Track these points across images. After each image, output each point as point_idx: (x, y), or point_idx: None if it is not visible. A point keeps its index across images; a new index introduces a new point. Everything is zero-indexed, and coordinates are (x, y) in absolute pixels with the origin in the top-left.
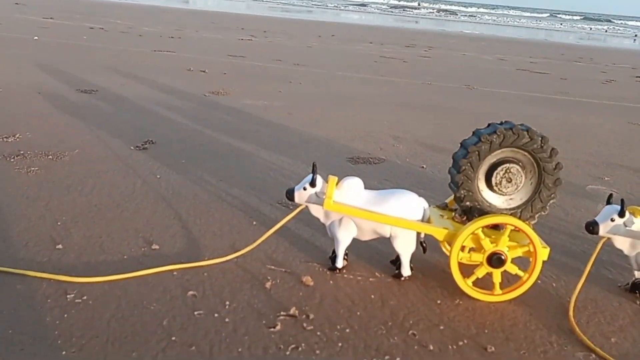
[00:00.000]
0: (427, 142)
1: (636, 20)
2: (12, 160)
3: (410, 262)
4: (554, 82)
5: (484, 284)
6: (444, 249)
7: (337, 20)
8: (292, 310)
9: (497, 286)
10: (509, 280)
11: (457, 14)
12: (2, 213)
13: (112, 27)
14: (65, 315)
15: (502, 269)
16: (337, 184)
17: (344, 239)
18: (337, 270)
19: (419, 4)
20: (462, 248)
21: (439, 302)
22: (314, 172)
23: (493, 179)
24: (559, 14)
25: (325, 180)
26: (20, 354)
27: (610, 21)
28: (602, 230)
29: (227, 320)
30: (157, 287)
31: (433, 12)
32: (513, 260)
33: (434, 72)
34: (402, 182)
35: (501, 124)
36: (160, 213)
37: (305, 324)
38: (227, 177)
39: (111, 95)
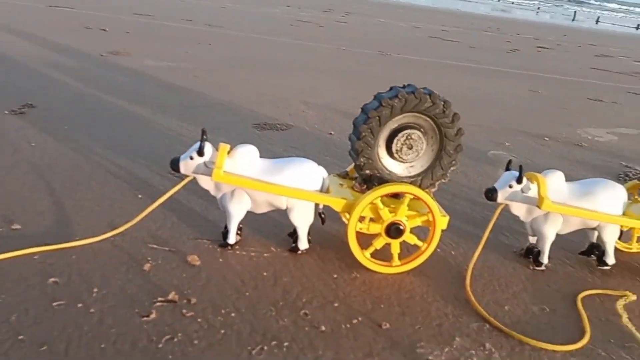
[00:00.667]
0: (338, 108)
1: None
2: None
3: (309, 234)
4: (464, 50)
5: (383, 255)
6: (344, 219)
7: None
8: (171, 295)
9: (396, 257)
10: (409, 250)
11: None
12: None
13: None
14: None
15: (400, 240)
16: (228, 152)
17: (236, 212)
18: (229, 247)
19: None
20: (362, 218)
21: (335, 276)
22: (202, 139)
23: (394, 146)
24: None
25: (216, 147)
26: None
27: None
28: (501, 196)
29: (92, 310)
30: (10, 275)
31: None
32: (412, 230)
33: (349, 37)
34: (309, 149)
35: (404, 87)
36: (28, 187)
37: (184, 310)
38: (116, 144)
39: None
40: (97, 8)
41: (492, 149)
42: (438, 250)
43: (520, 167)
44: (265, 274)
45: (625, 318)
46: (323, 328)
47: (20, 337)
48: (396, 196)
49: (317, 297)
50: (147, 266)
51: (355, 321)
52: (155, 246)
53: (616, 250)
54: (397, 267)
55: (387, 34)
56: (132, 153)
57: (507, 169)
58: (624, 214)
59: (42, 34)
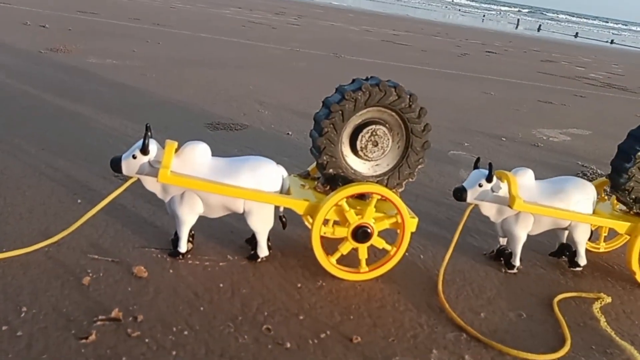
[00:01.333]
0: (293, 107)
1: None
2: None
3: (268, 239)
4: (416, 54)
5: (349, 260)
6: (306, 223)
7: None
8: (114, 313)
9: (363, 263)
10: (376, 255)
11: None
12: None
13: None
14: None
15: (368, 244)
16: (176, 150)
17: (187, 218)
18: (180, 256)
19: None
20: (326, 221)
21: (299, 285)
22: (146, 135)
23: (358, 143)
24: None
25: (163, 145)
26: None
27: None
28: (470, 196)
29: (19, 333)
30: None
31: None
32: (380, 233)
33: (302, 39)
34: (265, 150)
35: (367, 79)
36: None
37: (130, 330)
38: (52, 145)
39: None
40: (36, 4)
41: (451, 149)
42: (406, 254)
43: (490, 164)
44: (221, 285)
45: (603, 322)
46: (288, 345)
47: None
48: (362, 197)
49: (280, 310)
50: (86, 279)
51: (323, 335)
52: (96, 256)
53: (585, 250)
54: (365, 273)
55: (340, 37)
56: (70, 154)
57: (476, 167)
58: (593, 212)
59: None
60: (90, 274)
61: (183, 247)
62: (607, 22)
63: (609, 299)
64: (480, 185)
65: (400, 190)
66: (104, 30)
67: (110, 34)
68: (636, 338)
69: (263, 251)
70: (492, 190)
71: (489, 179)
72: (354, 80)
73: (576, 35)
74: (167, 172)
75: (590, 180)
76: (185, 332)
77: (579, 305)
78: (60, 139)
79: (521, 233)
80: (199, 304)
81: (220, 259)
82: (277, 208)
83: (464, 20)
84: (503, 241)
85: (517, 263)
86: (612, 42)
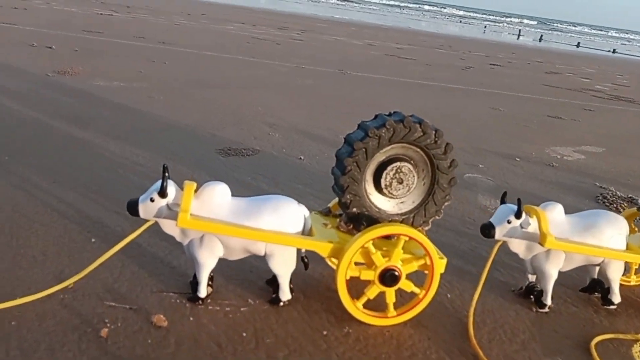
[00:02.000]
0: (304, 129)
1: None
2: None
3: (290, 281)
4: (420, 68)
5: (375, 303)
6: (330, 263)
7: None
8: None
9: (391, 307)
10: (402, 296)
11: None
12: None
13: None
14: None
15: (396, 287)
16: (195, 191)
17: (207, 261)
18: (200, 301)
19: None
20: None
21: (325, 333)
22: (164, 177)
23: (382, 181)
24: (423, 4)
25: (181, 186)
26: None
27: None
28: (499, 233)
29: None
30: None
31: None
32: (407, 276)
33: (307, 55)
34: (280, 177)
35: (390, 115)
36: None
37: None
38: (63, 177)
39: None
40: (42, 25)
41: (466, 171)
42: None
43: (519, 200)
44: (244, 334)
45: None
46: None
47: None
48: (388, 236)
49: None
50: (104, 331)
51: None
52: (113, 304)
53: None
54: (393, 318)
55: (344, 51)
56: (81, 187)
57: (503, 201)
58: (626, 247)
59: None
60: (108, 325)
61: (203, 291)
62: (608, 31)
63: None
64: (508, 222)
65: (426, 228)
66: (109, 50)
67: (116, 54)
68: None
69: (285, 295)
70: (521, 226)
71: (518, 215)
72: (376, 116)
73: (578, 45)
74: (186, 216)
75: (613, 206)
76: None
77: (617, 349)
78: (71, 170)
79: (552, 271)
80: (223, 357)
81: (241, 303)
82: (299, 249)
83: (465, 32)
84: (532, 277)
85: (549, 302)
86: (614, 51)
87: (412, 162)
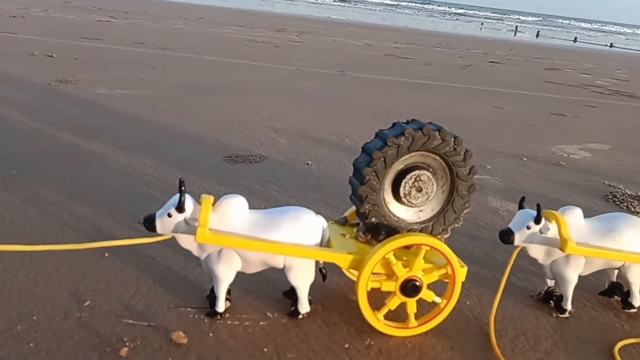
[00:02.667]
0: (309, 133)
1: (483, 11)
2: None
3: (309, 293)
4: (420, 67)
5: (395, 314)
6: (347, 273)
7: (204, 2)
8: None
9: (412, 317)
10: (422, 305)
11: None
12: None
13: None
14: None
15: (417, 297)
16: (212, 204)
17: (225, 275)
18: (218, 316)
19: None
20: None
21: (346, 346)
22: (181, 191)
23: (401, 189)
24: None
25: (198, 200)
26: None
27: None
28: (518, 239)
29: None
30: None
31: None
32: (429, 286)
33: (307, 57)
34: (288, 184)
35: (408, 122)
36: None
37: None
38: (72, 190)
39: None
40: (42, 33)
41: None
42: None
43: (538, 205)
44: (265, 350)
45: None
46: None
47: None
48: (407, 246)
49: None
50: (124, 351)
51: None
52: (131, 321)
53: None
54: (414, 328)
55: (344, 52)
56: (91, 200)
57: (521, 206)
58: None
59: None
60: (128, 343)
61: (221, 306)
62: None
63: None
64: (528, 228)
65: (445, 236)
66: (110, 57)
67: (117, 61)
68: None
69: (304, 307)
70: (541, 232)
71: (537, 221)
72: (394, 124)
73: (575, 40)
74: (205, 231)
75: (624, 205)
76: None
77: None
78: (79, 182)
79: (572, 275)
80: None
81: (260, 317)
82: (317, 261)
83: (462, 29)
84: (550, 282)
85: (569, 307)
86: (611, 45)
87: (431, 170)
